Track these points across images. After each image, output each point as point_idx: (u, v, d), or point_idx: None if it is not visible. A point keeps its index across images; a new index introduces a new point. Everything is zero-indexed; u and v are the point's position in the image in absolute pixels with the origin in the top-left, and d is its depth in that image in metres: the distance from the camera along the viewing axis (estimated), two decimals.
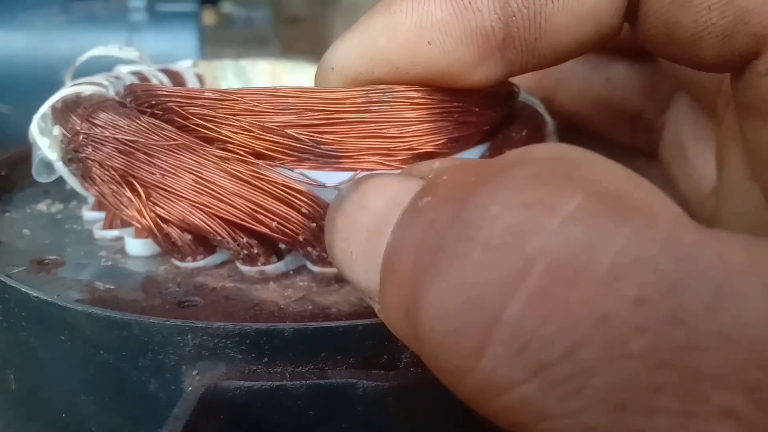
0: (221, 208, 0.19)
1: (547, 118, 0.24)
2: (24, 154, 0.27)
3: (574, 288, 0.10)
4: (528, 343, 0.10)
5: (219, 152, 0.19)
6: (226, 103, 0.19)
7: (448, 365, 0.12)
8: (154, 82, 0.27)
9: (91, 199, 0.24)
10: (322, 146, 0.19)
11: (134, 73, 0.27)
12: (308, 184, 0.19)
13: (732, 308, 0.10)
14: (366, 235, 0.14)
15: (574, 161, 0.12)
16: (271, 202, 0.19)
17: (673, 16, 0.16)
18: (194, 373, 0.16)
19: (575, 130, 0.29)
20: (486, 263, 0.11)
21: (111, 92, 0.24)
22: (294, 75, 0.32)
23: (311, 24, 1.82)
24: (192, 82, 0.29)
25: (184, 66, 0.30)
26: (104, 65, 0.28)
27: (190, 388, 0.16)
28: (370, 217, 0.14)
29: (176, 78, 0.29)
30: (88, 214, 0.24)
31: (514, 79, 0.23)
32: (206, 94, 0.19)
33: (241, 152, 0.19)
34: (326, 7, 1.73)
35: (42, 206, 0.25)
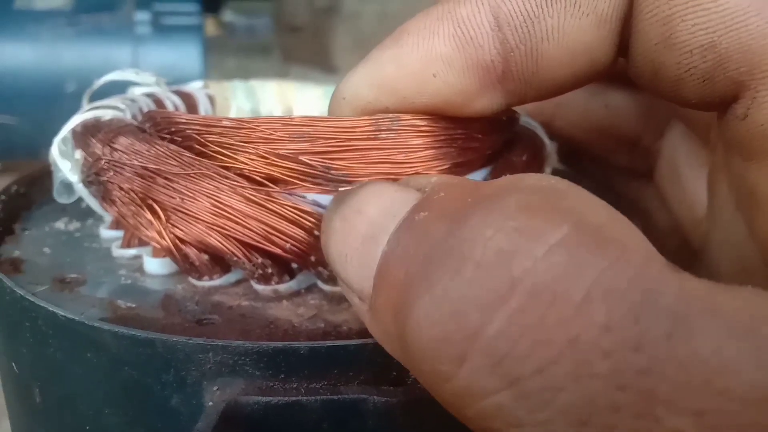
0: (237, 230, 0.20)
1: (547, 141, 0.25)
2: (40, 173, 0.28)
3: (551, 310, 0.11)
4: (505, 357, 0.11)
5: (235, 177, 0.20)
6: (242, 131, 0.20)
7: (430, 370, 0.13)
8: (168, 104, 0.28)
9: (108, 218, 0.25)
10: (334, 172, 0.20)
11: (148, 95, 0.28)
12: (320, 207, 0.20)
13: (688, 340, 0.11)
14: (361, 239, 0.15)
15: (561, 192, 0.13)
16: (285, 224, 0.20)
17: (659, 57, 0.17)
18: (215, 388, 0.17)
19: (575, 151, 0.30)
20: (475, 280, 0.12)
21: (128, 115, 0.25)
22: (302, 95, 0.33)
23: (312, 33, 1.83)
24: (203, 103, 0.30)
25: (196, 87, 0.31)
26: (115, 83, 0.29)
27: (210, 403, 0.17)
28: (367, 222, 0.15)
29: (188, 99, 0.30)
30: (106, 232, 0.25)
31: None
32: (224, 122, 0.20)
33: (257, 178, 0.20)
34: (327, 16, 1.74)
35: (60, 224, 0.26)
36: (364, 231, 0.15)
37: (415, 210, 0.15)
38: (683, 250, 0.26)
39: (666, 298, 0.11)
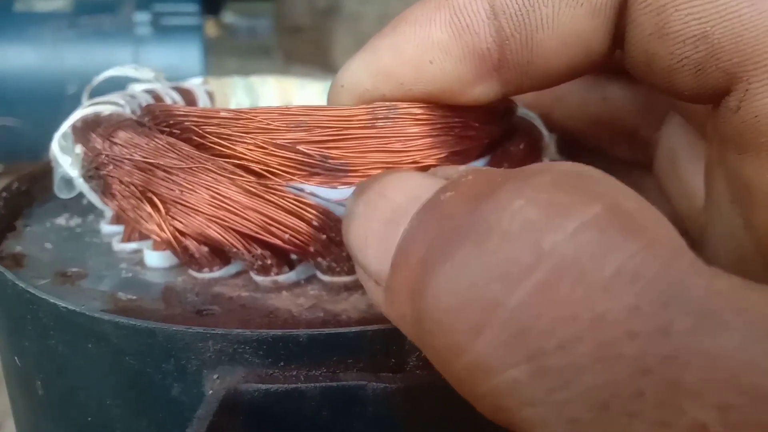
0: (236, 222, 0.20)
1: (544, 131, 0.25)
2: (42, 170, 0.29)
3: (578, 286, 0.11)
4: (526, 330, 0.11)
5: (234, 169, 0.20)
6: (240, 122, 0.20)
7: (445, 343, 0.12)
8: (167, 100, 0.28)
9: (109, 213, 0.25)
10: (331, 161, 0.20)
11: (148, 92, 0.28)
12: (318, 197, 0.20)
13: (714, 333, 0.10)
14: (383, 223, 0.15)
15: (594, 177, 0.13)
16: (284, 215, 0.20)
17: (652, 47, 0.17)
18: (215, 377, 0.17)
19: (574, 143, 0.30)
20: (500, 250, 0.12)
21: (127, 111, 0.25)
22: (302, 90, 0.33)
23: (313, 34, 1.84)
24: (203, 99, 0.30)
25: (195, 83, 0.31)
26: (115, 81, 0.29)
27: (211, 392, 0.17)
28: (390, 207, 0.15)
29: (187, 95, 0.30)
30: (107, 227, 0.25)
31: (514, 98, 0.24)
32: (221, 113, 0.20)
33: (255, 168, 0.20)
34: (328, 16, 1.75)
35: (61, 220, 0.27)
36: (386, 215, 0.15)
37: (440, 191, 0.14)
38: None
39: (694, 290, 0.11)
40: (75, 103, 0.27)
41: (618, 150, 0.29)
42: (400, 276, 0.14)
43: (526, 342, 0.11)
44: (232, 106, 0.32)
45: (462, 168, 0.16)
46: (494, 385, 0.12)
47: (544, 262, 0.11)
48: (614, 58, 0.19)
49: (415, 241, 0.14)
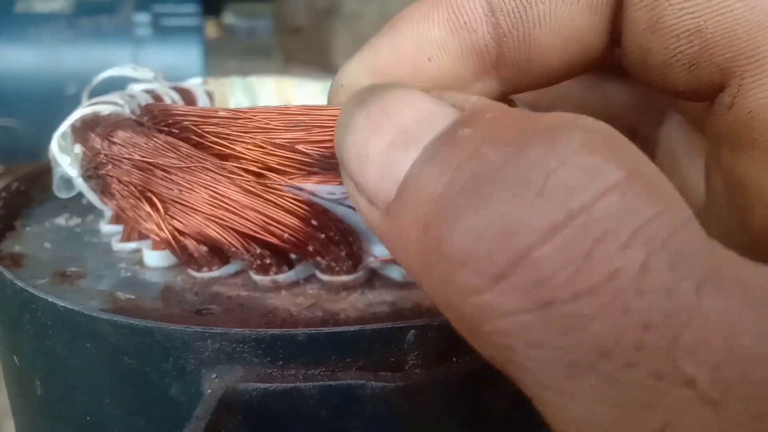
0: (235, 221, 0.20)
1: None
2: (41, 170, 0.29)
3: (599, 244, 0.12)
4: (546, 280, 0.12)
5: (233, 168, 0.20)
6: (239, 121, 0.20)
7: (460, 281, 0.13)
8: (167, 100, 0.28)
9: (108, 213, 0.25)
10: (330, 160, 0.20)
11: (147, 92, 0.28)
12: (317, 197, 0.20)
13: (714, 297, 0.11)
14: (388, 145, 0.15)
15: (618, 139, 0.14)
16: (282, 214, 0.20)
17: (647, 43, 0.17)
18: (213, 376, 0.17)
19: None
20: (534, 207, 0.12)
21: (126, 111, 0.25)
22: (300, 90, 0.33)
23: (313, 34, 1.84)
24: (202, 99, 0.30)
25: (195, 83, 0.31)
26: (115, 81, 0.29)
27: (209, 391, 0.17)
28: (396, 128, 0.15)
29: (187, 95, 0.30)
30: (106, 227, 0.25)
31: (512, 96, 0.24)
32: (220, 113, 0.20)
33: (254, 168, 0.20)
34: (328, 17, 1.75)
35: (61, 220, 0.27)
36: (392, 136, 0.15)
37: (457, 125, 0.14)
38: None
39: (698, 257, 0.12)
40: (75, 103, 0.27)
41: None
42: (409, 206, 0.14)
43: (544, 290, 0.12)
44: (231, 106, 0.32)
45: (474, 97, 0.16)
46: (502, 325, 0.12)
47: (573, 221, 0.12)
48: (612, 57, 0.19)
49: (431, 174, 0.14)
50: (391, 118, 0.15)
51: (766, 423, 0.11)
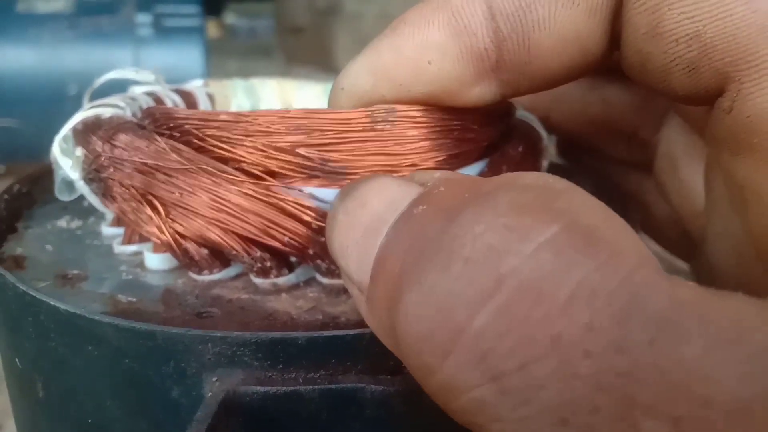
0: (236, 224, 0.20)
1: (543, 133, 0.25)
2: (42, 172, 0.29)
3: (536, 308, 0.11)
4: (488, 353, 0.11)
5: (234, 172, 0.20)
6: (240, 125, 0.20)
7: (419, 363, 0.13)
8: (168, 102, 0.28)
9: (110, 216, 0.25)
10: (331, 164, 0.20)
11: (148, 94, 0.28)
12: (317, 200, 0.20)
13: (672, 345, 0.11)
14: (363, 232, 0.15)
15: (556, 192, 0.13)
16: (283, 218, 0.20)
17: (646, 47, 0.17)
18: (214, 379, 0.17)
19: (573, 145, 0.30)
20: (463, 276, 0.12)
21: (128, 113, 0.25)
22: (302, 92, 0.33)
23: (314, 34, 1.84)
24: (203, 102, 0.30)
25: (196, 86, 0.31)
26: (116, 83, 0.29)
27: (210, 394, 0.17)
28: (369, 215, 0.15)
29: (188, 98, 0.30)
30: (107, 230, 0.25)
31: (513, 101, 0.24)
32: (222, 116, 0.20)
33: (255, 171, 0.20)
34: (329, 17, 1.75)
35: (62, 222, 0.27)
36: (366, 223, 0.15)
37: (414, 203, 0.15)
38: (683, 242, 0.26)
39: (653, 302, 0.11)
40: (76, 104, 0.27)
41: (617, 151, 0.29)
42: (379, 287, 0.14)
43: (490, 363, 0.11)
44: (233, 108, 0.32)
45: (437, 174, 0.16)
46: (463, 403, 0.12)
47: (504, 286, 0.12)
48: (612, 60, 0.19)
49: (392, 253, 0.14)
50: (366, 206, 0.16)
51: None
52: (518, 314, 0.11)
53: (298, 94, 0.33)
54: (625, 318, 0.11)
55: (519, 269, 0.12)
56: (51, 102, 0.77)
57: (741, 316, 0.11)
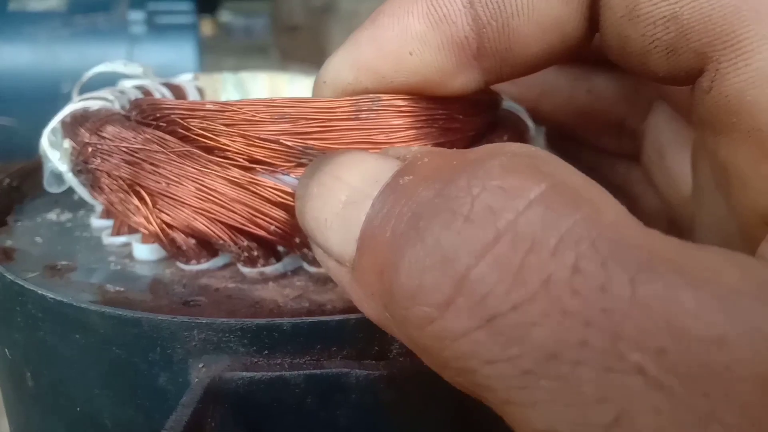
0: (223, 214, 0.20)
1: (530, 124, 0.25)
2: (33, 167, 0.29)
3: (529, 255, 0.12)
4: (485, 297, 0.13)
5: (219, 161, 0.20)
6: (225, 114, 0.20)
7: (417, 314, 0.14)
8: (157, 96, 0.28)
9: (99, 208, 0.25)
10: (315, 152, 0.20)
11: (138, 88, 0.28)
12: None
13: (649, 284, 0.12)
14: (342, 205, 0.16)
15: (541, 158, 0.14)
16: (269, 207, 0.20)
17: (624, 30, 0.17)
18: (200, 365, 0.17)
19: (561, 136, 0.30)
20: (464, 231, 0.13)
21: (116, 106, 0.25)
22: (292, 86, 0.33)
23: (310, 32, 1.84)
24: (193, 95, 0.30)
25: (185, 79, 0.31)
26: (107, 78, 0.29)
27: (196, 380, 0.17)
28: (347, 189, 0.16)
29: (177, 91, 0.30)
30: (97, 222, 0.25)
31: (499, 90, 0.24)
32: (207, 106, 0.20)
33: (240, 160, 0.20)
34: (324, 15, 1.75)
35: (52, 215, 0.27)
36: (345, 197, 0.16)
37: (398, 174, 0.16)
38: (672, 231, 0.26)
39: (633, 248, 0.12)
40: (70, 101, 0.27)
41: (605, 141, 0.29)
42: (368, 257, 0.15)
43: (487, 306, 0.12)
44: None
45: (414, 148, 0.17)
46: (458, 348, 0.13)
47: (502, 239, 0.13)
48: (595, 47, 0.19)
49: (381, 223, 0.15)
50: (342, 181, 0.16)
51: (713, 401, 0.11)
52: (514, 262, 0.12)
53: (288, 88, 0.33)
54: (607, 260, 0.12)
55: (514, 223, 0.13)
56: (45, 100, 0.77)
57: (712, 261, 0.12)
